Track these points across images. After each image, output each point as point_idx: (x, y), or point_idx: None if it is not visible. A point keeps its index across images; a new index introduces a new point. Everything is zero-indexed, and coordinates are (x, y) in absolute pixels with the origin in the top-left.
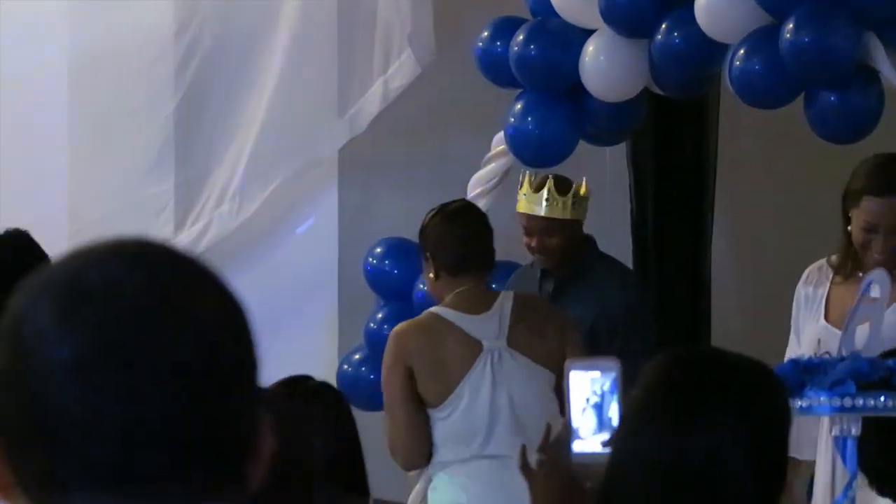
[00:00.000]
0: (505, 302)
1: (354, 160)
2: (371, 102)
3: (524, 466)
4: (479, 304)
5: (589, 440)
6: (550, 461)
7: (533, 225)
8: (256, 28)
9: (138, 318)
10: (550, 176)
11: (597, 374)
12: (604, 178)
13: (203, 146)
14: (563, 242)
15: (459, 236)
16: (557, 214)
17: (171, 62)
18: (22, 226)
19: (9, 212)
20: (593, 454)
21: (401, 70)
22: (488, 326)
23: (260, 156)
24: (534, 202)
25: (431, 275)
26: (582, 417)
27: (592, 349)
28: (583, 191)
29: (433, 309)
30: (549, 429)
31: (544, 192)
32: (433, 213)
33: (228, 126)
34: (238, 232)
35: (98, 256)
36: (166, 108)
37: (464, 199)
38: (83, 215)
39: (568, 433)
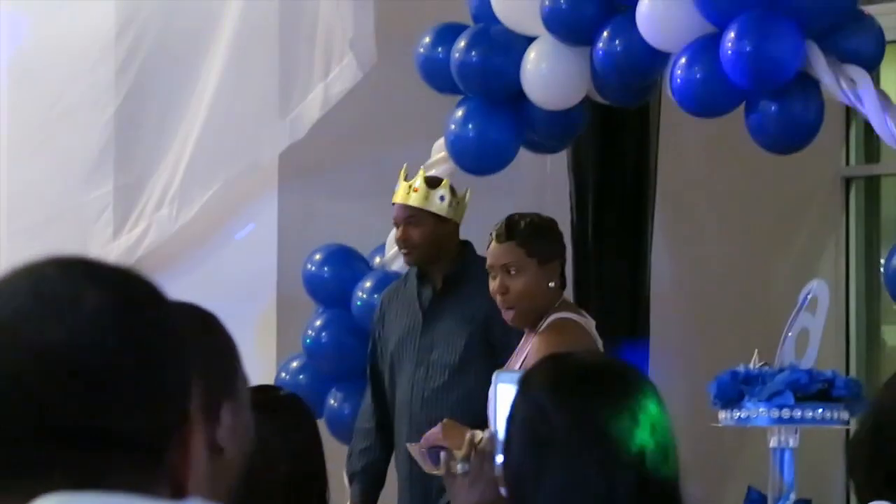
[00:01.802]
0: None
1: (295, 165)
2: (312, 107)
3: (447, 474)
4: (580, 311)
5: None
6: (474, 471)
7: (398, 214)
8: (198, 31)
9: (18, 318)
10: (423, 168)
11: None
12: (544, 186)
13: (143, 149)
14: (425, 235)
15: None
16: (420, 204)
17: (111, 64)
18: None
19: None
20: None
21: (342, 75)
22: (594, 331)
23: (200, 160)
24: (402, 191)
25: (553, 282)
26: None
27: (486, 350)
28: (459, 193)
29: (566, 314)
30: (472, 438)
31: (413, 182)
32: (543, 219)
33: (169, 129)
34: (177, 236)
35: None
36: (106, 110)
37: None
38: (20, 219)
39: (493, 444)
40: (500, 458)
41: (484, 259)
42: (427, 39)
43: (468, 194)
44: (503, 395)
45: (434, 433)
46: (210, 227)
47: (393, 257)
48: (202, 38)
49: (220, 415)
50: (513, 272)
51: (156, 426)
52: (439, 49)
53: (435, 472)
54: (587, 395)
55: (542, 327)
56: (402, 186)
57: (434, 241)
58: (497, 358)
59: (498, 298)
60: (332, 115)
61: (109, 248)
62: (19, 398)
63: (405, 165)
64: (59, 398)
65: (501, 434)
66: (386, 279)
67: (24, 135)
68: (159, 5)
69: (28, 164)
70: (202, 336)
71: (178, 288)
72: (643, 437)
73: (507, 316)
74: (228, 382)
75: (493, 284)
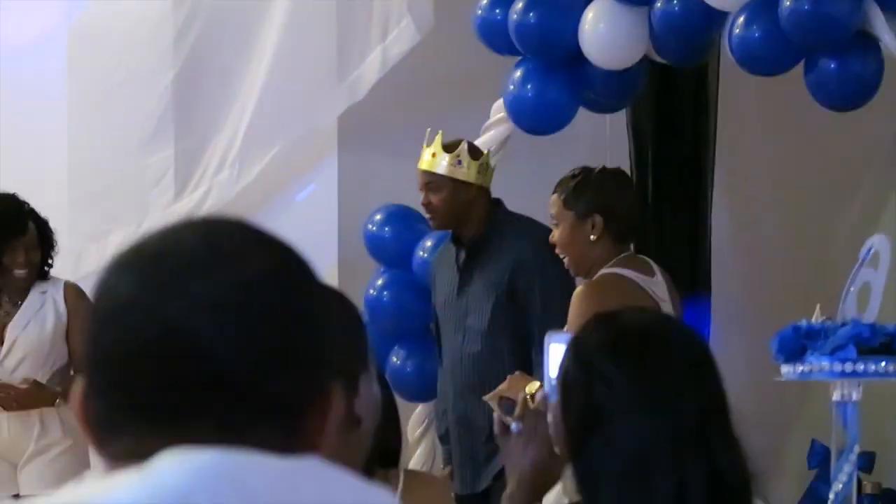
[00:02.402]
0: (657, 268)
1: (354, 127)
2: (370, 69)
3: (501, 433)
4: (647, 268)
5: None
6: (528, 430)
7: (420, 180)
8: None
9: (187, 267)
10: (440, 133)
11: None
12: (604, 145)
13: (202, 114)
14: (447, 201)
15: (633, 202)
16: (437, 169)
17: (170, 30)
18: (22, 194)
19: (8, 180)
20: None
21: (400, 37)
22: (662, 290)
23: (259, 123)
24: (423, 157)
25: (593, 236)
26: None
27: (513, 311)
28: (478, 155)
29: (612, 269)
30: (525, 398)
31: (431, 148)
32: (593, 172)
33: (228, 94)
34: (238, 199)
35: (165, 227)
36: (166, 76)
37: (618, 168)
38: (83, 184)
39: (546, 404)
40: (551, 418)
41: (516, 218)
42: (484, 1)
43: (492, 158)
44: (555, 354)
45: (502, 387)
46: (270, 189)
47: None
48: (259, 2)
49: (359, 386)
50: (555, 223)
51: (301, 390)
52: (497, 10)
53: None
54: (645, 356)
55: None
56: (424, 152)
57: (457, 205)
58: (525, 316)
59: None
60: (390, 77)
61: (170, 212)
62: (183, 343)
63: (427, 131)
64: (222, 348)
65: (555, 394)
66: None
67: (85, 101)
68: None
69: (89, 131)
70: (342, 310)
71: None
72: (696, 394)
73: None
74: (364, 355)
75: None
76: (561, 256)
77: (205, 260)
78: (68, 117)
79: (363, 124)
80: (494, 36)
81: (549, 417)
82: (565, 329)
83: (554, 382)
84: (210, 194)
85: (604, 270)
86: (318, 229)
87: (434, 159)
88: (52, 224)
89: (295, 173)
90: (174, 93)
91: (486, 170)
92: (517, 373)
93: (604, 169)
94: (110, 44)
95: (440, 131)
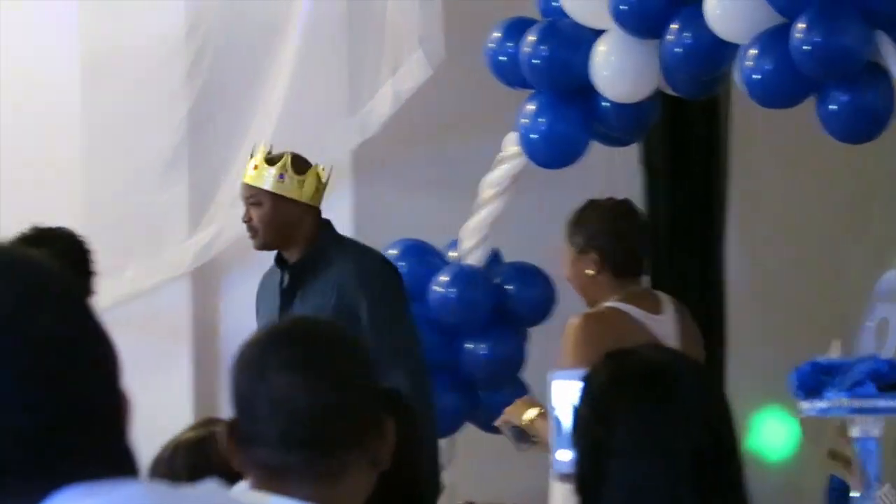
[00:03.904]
0: (668, 305)
1: (368, 161)
2: (382, 104)
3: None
4: (654, 304)
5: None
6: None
7: (242, 193)
8: (267, 29)
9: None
10: (262, 147)
11: (580, 383)
12: (615, 178)
13: (216, 148)
14: (268, 217)
15: (633, 235)
16: (257, 182)
17: (182, 64)
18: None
19: (24, 213)
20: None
21: (411, 71)
22: (668, 328)
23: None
24: (247, 170)
25: (591, 271)
26: (563, 427)
27: None
28: (303, 170)
29: (613, 304)
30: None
31: (254, 160)
32: (593, 207)
33: (241, 127)
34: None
35: None
36: (179, 109)
37: (624, 199)
38: (97, 219)
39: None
40: (560, 455)
41: (343, 241)
42: (496, 34)
43: (324, 173)
44: (557, 390)
45: (508, 410)
46: None
47: (468, 251)
48: (271, 36)
49: (384, 431)
50: (562, 260)
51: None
52: (508, 44)
53: (524, 450)
54: (646, 398)
55: None
56: (248, 164)
57: (279, 223)
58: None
59: None
60: (404, 111)
61: (185, 247)
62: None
63: (255, 144)
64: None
65: (562, 429)
66: (461, 273)
67: (98, 134)
68: (228, 5)
69: (103, 165)
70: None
71: (254, 285)
72: (696, 437)
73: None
74: (386, 399)
75: None
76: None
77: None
78: (82, 150)
79: (377, 158)
80: (506, 69)
81: (558, 453)
82: (560, 360)
83: (556, 418)
84: (224, 229)
85: (604, 304)
86: None
87: (256, 172)
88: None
89: None
90: (188, 126)
91: (313, 186)
92: (525, 397)
93: (605, 201)
94: (124, 76)
95: (263, 143)
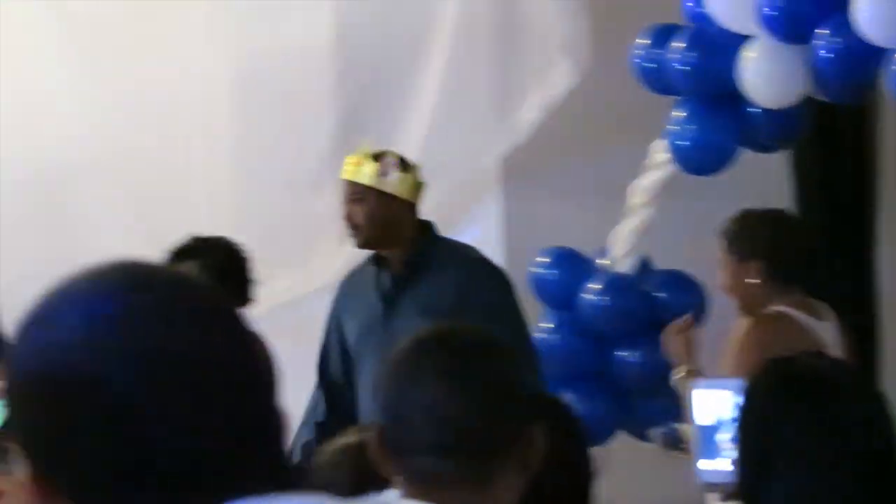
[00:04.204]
0: (828, 313)
1: (517, 168)
2: (530, 112)
3: None
4: (816, 311)
5: (715, 460)
6: None
7: (343, 190)
8: (415, 37)
9: None
10: (366, 144)
11: (722, 393)
12: (767, 185)
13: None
14: (371, 214)
15: (796, 244)
16: (363, 180)
17: (332, 72)
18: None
19: (174, 225)
20: (721, 473)
21: (559, 79)
22: (831, 335)
23: (423, 166)
24: (347, 166)
25: (754, 279)
26: (706, 438)
27: None
28: (408, 168)
29: (781, 308)
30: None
31: (355, 156)
32: (755, 215)
33: (390, 137)
34: None
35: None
36: (329, 118)
37: (782, 209)
38: (249, 229)
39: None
40: (703, 464)
41: (450, 242)
42: (643, 41)
43: (414, 166)
44: (697, 400)
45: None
46: None
47: (618, 258)
48: (420, 45)
49: (534, 436)
50: (721, 266)
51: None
52: (656, 50)
53: (674, 456)
54: (811, 405)
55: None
56: (348, 161)
57: (382, 222)
58: None
59: None
60: (552, 119)
61: (336, 255)
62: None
63: (322, 135)
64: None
65: (700, 442)
66: (611, 281)
67: (251, 145)
68: (377, 14)
69: (256, 174)
70: None
71: None
72: (865, 446)
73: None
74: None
75: None
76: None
77: None
78: (235, 162)
79: (526, 166)
80: (654, 76)
81: (699, 462)
82: (723, 361)
83: (699, 428)
84: None
85: (773, 308)
86: None
87: (360, 168)
88: None
89: (458, 217)
90: (338, 135)
91: (415, 184)
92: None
93: (766, 211)
94: (274, 86)
95: (368, 141)
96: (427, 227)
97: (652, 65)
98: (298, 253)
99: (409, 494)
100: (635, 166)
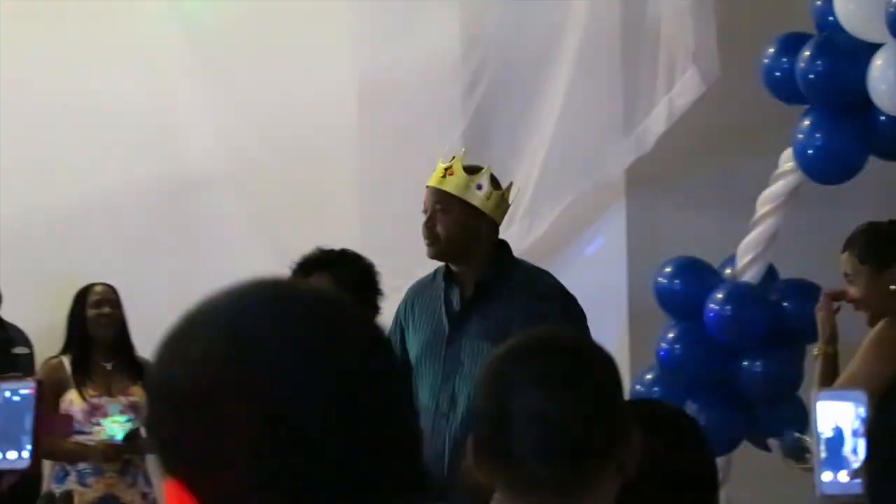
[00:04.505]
0: None
1: (642, 178)
2: (656, 121)
3: None
4: None
5: (836, 472)
6: None
7: (427, 198)
8: (541, 50)
9: None
10: (462, 152)
11: (846, 404)
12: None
13: (492, 169)
14: (454, 227)
15: None
16: (454, 190)
17: (458, 85)
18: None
19: (300, 237)
20: (842, 485)
21: (685, 88)
22: None
23: (548, 176)
24: (436, 174)
25: (894, 286)
26: (829, 449)
27: None
28: (500, 185)
29: None
30: None
31: (449, 164)
32: (888, 223)
33: (516, 147)
34: (528, 253)
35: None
36: (455, 130)
37: None
38: (374, 240)
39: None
40: (825, 476)
41: (525, 264)
42: (771, 50)
43: (512, 191)
44: (822, 412)
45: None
46: (560, 242)
47: (744, 268)
48: (546, 57)
49: (631, 439)
50: (850, 280)
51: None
52: (784, 59)
53: (793, 468)
54: None
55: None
56: (437, 169)
57: (464, 235)
58: None
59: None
60: (676, 128)
61: None
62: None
63: (446, 148)
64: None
65: (822, 454)
66: (737, 290)
67: (374, 157)
68: (504, 27)
69: (379, 187)
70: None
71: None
72: None
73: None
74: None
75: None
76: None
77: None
78: (359, 172)
79: (650, 176)
80: (781, 85)
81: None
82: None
83: (822, 439)
84: None
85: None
86: (607, 283)
87: (449, 178)
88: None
89: (583, 226)
90: (463, 147)
91: (500, 202)
92: None
93: (884, 222)
94: (399, 100)
95: (463, 150)
96: (505, 247)
97: (780, 73)
98: (422, 266)
99: (508, 501)
100: (760, 175)
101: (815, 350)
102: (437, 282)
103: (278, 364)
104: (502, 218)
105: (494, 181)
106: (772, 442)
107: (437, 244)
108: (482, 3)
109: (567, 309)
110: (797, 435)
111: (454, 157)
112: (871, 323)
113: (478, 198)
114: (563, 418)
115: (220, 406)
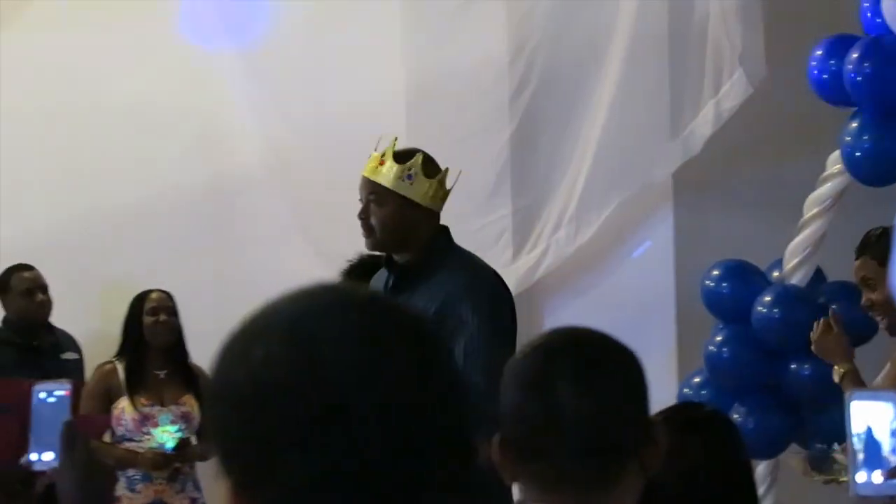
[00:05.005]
0: None
1: (688, 181)
2: (703, 124)
3: None
4: None
5: (871, 473)
6: None
7: (361, 188)
8: (588, 53)
9: None
10: (395, 140)
11: (881, 404)
12: None
13: (539, 172)
14: (388, 219)
15: None
16: (383, 181)
17: (505, 89)
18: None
19: (351, 241)
20: (876, 486)
21: (732, 91)
22: None
23: (595, 180)
24: (370, 163)
25: None
26: (863, 449)
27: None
28: (434, 173)
29: None
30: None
31: (379, 153)
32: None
33: (563, 151)
34: (574, 257)
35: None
36: (502, 135)
37: None
38: None
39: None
40: (860, 477)
41: (458, 251)
42: (818, 52)
43: (449, 178)
44: (856, 413)
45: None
46: (607, 246)
47: (792, 271)
48: (592, 60)
49: (657, 437)
50: (870, 284)
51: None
52: (831, 61)
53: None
54: None
55: None
56: (371, 158)
57: (399, 227)
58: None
59: (871, 314)
60: (723, 131)
61: (509, 271)
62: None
63: (379, 137)
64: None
65: (857, 454)
66: (784, 293)
67: None
68: (550, 31)
69: None
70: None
71: (577, 308)
72: None
73: (884, 328)
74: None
75: (862, 300)
76: (878, 318)
77: None
78: None
79: (697, 178)
80: (829, 87)
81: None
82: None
83: (857, 440)
84: (548, 253)
85: None
86: (655, 286)
87: (383, 168)
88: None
89: (630, 230)
90: (510, 151)
91: (439, 191)
92: None
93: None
94: (447, 102)
95: (395, 137)
96: (444, 235)
97: (827, 76)
98: None
99: (533, 499)
100: (808, 178)
101: (835, 372)
102: (382, 271)
103: (338, 365)
104: (441, 204)
105: (427, 168)
106: (793, 457)
107: (372, 236)
108: (529, 7)
109: (481, 290)
110: (822, 446)
111: (388, 146)
112: (891, 328)
113: (411, 189)
114: (593, 416)
115: (282, 406)
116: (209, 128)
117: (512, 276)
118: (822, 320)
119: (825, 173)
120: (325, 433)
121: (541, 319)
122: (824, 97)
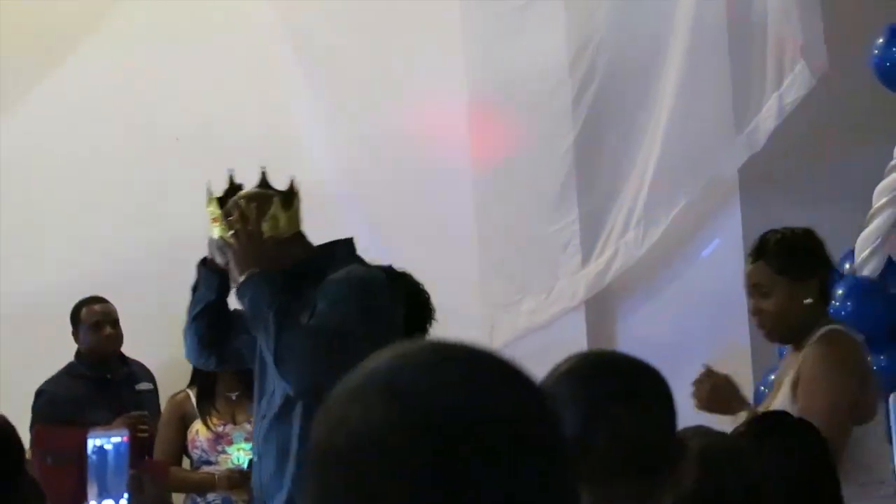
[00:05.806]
0: None
1: (755, 177)
2: (767, 118)
3: None
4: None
5: None
6: None
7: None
8: (648, 53)
9: None
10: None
11: None
12: None
13: (604, 175)
14: (266, 263)
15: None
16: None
17: (567, 94)
18: (432, 264)
19: (418, 250)
20: None
21: (795, 83)
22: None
23: (661, 180)
24: (214, 228)
25: (809, 300)
26: None
27: None
28: (293, 201)
29: (839, 326)
30: None
31: (210, 210)
32: (802, 232)
33: (627, 153)
34: (644, 258)
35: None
36: (566, 140)
37: None
38: (491, 253)
39: None
40: None
41: (317, 249)
42: (881, 40)
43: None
44: None
45: None
46: (675, 246)
47: (863, 262)
48: (653, 59)
49: (686, 450)
50: (763, 292)
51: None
52: (895, 49)
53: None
54: None
55: (812, 340)
56: (213, 216)
57: (274, 261)
58: None
59: (755, 320)
60: (788, 123)
61: (578, 277)
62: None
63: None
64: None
65: None
66: (857, 285)
67: (489, 170)
68: (610, 32)
69: (495, 199)
70: None
71: (648, 310)
72: None
73: (764, 334)
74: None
75: (750, 305)
76: (761, 328)
77: None
78: (473, 187)
79: (764, 173)
80: (892, 75)
81: None
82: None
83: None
84: (617, 256)
85: (830, 328)
86: (726, 284)
87: (215, 225)
88: (463, 295)
89: (698, 228)
90: (575, 156)
91: (294, 214)
92: None
93: (795, 229)
94: (510, 109)
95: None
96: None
97: (890, 64)
98: (540, 277)
99: None
100: (875, 168)
101: (737, 419)
102: None
103: (439, 422)
104: (299, 221)
105: (285, 201)
106: None
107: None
108: (588, 10)
109: (350, 282)
110: None
111: (210, 201)
112: (775, 338)
113: (269, 229)
114: (634, 435)
115: (385, 468)
116: (278, 146)
117: (582, 282)
118: (699, 376)
119: (893, 162)
120: (427, 492)
121: (613, 324)
122: (888, 85)
